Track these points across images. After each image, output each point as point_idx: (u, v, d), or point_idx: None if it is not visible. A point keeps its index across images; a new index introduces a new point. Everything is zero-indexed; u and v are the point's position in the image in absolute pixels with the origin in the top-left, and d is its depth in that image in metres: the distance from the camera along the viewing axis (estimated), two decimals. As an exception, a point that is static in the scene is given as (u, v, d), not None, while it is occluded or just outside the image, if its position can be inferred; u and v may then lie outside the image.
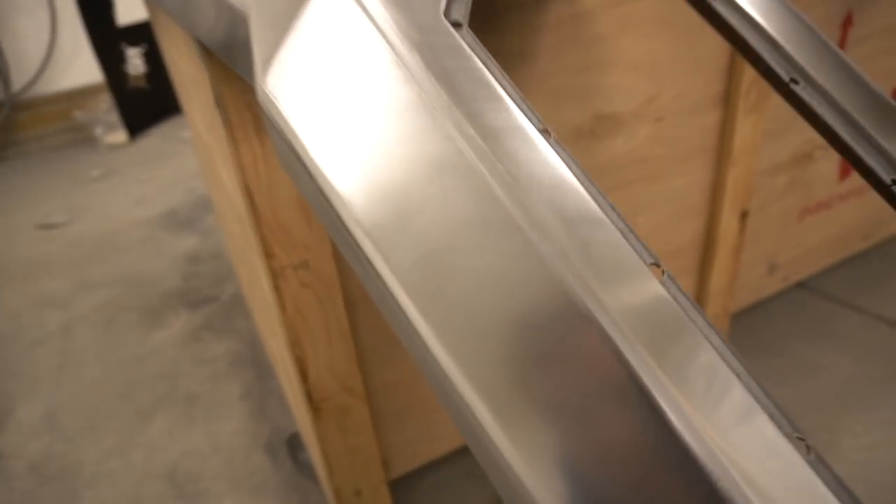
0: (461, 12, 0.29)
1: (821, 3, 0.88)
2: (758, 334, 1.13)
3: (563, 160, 0.24)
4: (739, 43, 0.38)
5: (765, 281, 1.12)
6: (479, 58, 0.27)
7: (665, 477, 0.20)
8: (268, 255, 0.60)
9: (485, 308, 0.22)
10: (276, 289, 0.62)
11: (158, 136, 2.26)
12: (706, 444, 0.20)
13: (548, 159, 0.24)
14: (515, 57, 0.67)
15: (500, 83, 0.26)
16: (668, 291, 0.22)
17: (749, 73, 0.82)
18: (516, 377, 0.22)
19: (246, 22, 0.32)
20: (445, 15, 0.28)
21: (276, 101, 0.28)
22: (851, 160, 0.36)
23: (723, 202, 0.92)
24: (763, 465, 0.20)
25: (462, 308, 0.22)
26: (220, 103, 0.53)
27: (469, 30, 0.28)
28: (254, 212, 0.58)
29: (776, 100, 0.88)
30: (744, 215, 0.95)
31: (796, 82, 0.35)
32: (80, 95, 2.34)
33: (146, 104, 2.18)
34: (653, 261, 0.23)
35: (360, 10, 0.28)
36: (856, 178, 1.12)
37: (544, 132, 0.25)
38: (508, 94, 0.26)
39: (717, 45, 0.81)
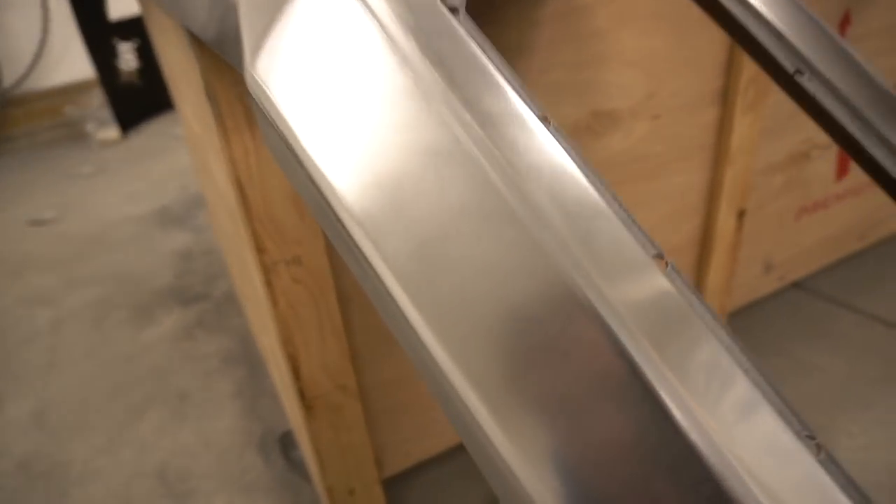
0: (458, -4, 0.28)
1: (818, 1, 0.88)
2: (753, 334, 1.13)
3: (563, 148, 0.23)
4: (740, 33, 0.38)
5: (761, 281, 1.12)
6: (476, 43, 0.26)
7: (668, 474, 0.19)
8: (259, 250, 0.59)
9: (482, 300, 0.21)
10: (268, 284, 0.61)
11: (151, 133, 2.24)
12: (712, 441, 0.19)
13: (548, 147, 0.23)
14: (513, 51, 0.66)
15: (498, 69, 0.25)
16: (673, 284, 0.21)
17: (747, 70, 0.81)
18: (513, 370, 0.21)
19: (235, 8, 0.31)
20: (441, -1, 0.27)
21: (265, 87, 0.27)
22: (855, 154, 0.35)
23: (720, 200, 0.91)
24: (771, 464, 0.19)
25: (458, 300, 0.22)
26: (210, 95, 0.52)
27: (467, 14, 0.27)
28: (245, 206, 0.57)
29: (774, 98, 0.88)
30: (741, 214, 0.95)
31: (801, 73, 0.34)
32: (71, 91, 2.32)
33: (138, 100, 2.17)
34: (656, 252, 0.22)
35: (353, -7, 0.27)
36: (852, 178, 1.11)
37: (544, 119, 0.24)
38: (507, 81, 0.25)
39: (715, 41, 0.80)
